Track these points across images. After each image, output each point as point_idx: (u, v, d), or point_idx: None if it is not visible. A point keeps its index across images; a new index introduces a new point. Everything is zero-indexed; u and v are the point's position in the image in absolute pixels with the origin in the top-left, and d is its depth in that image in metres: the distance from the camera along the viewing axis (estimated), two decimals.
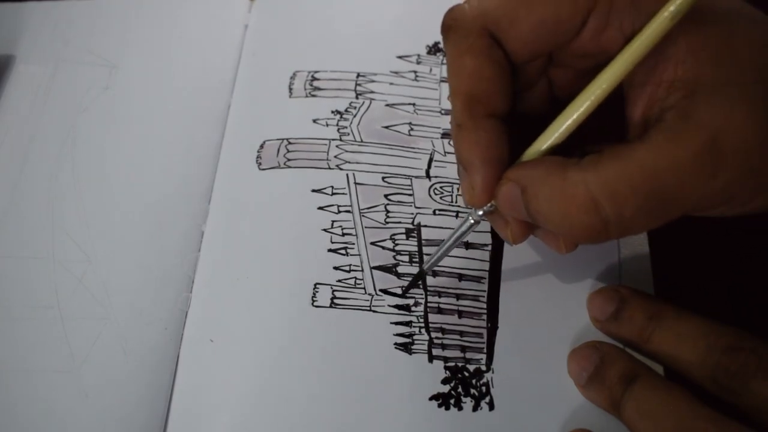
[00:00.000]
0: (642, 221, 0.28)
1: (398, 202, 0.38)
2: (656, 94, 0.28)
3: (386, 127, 0.40)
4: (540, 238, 0.32)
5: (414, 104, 0.41)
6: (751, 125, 0.26)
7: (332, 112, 0.41)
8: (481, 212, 0.31)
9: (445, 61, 0.42)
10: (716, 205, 0.28)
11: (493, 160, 0.30)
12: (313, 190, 0.39)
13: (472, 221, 0.32)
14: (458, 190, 0.38)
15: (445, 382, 0.34)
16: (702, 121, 0.26)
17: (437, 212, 0.38)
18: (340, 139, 0.40)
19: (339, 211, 0.38)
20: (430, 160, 0.39)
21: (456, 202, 0.38)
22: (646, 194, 0.26)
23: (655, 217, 0.28)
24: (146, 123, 0.42)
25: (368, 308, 0.36)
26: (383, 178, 0.39)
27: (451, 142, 0.39)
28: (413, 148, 0.40)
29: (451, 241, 0.33)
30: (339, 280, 0.36)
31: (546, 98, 0.32)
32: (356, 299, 0.36)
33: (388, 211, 0.38)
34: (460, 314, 0.35)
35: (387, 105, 0.41)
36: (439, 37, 0.42)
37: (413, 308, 0.35)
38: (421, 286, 0.36)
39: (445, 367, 0.34)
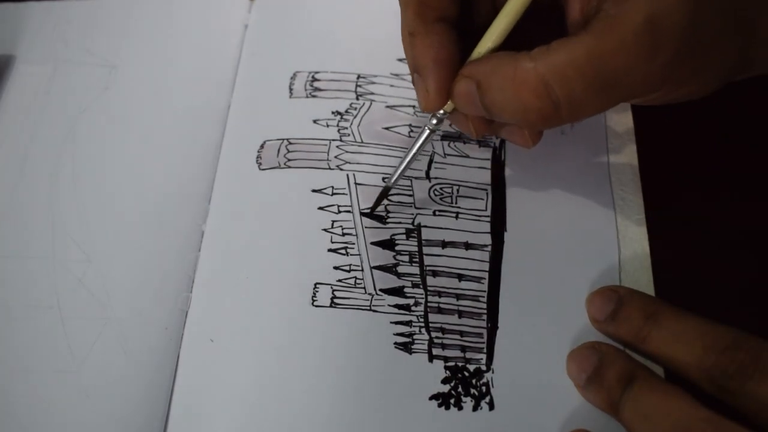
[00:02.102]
0: (591, 103, 0.29)
1: (398, 202, 0.38)
2: None
3: (386, 129, 0.40)
4: (505, 137, 0.35)
5: (414, 106, 0.41)
6: (682, 8, 0.27)
7: (332, 112, 0.41)
8: (435, 121, 0.34)
9: None
10: (657, 87, 0.30)
11: (446, 61, 0.32)
12: (314, 191, 0.39)
13: (429, 130, 0.34)
14: (457, 191, 0.39)
15: (445, 381, 0.34)
16: (637, 5, 0.28)
17: (437, 213, 0.38)
18: (341, 140, 0.40)
19: (339, 211, 0.38)
20: (430, 162, 0.39)
21: (456, 203, 0.38)
22: (593, 75, 0.28)
23: (602, 99, 0.30)
24: (146, 123, 0.42)
25: (368, 308, 0.36)
26: (383, 178, 0.39)
27: (452, 144, 0.40)
28: None
29: (411, 154, 0.35)
30: (339, 280, 0.36)
31: (491, 11, 0.34)
32: (356, 299, 0.36)
33: (388, 212, 0.38)
34: (460, 314, 0.35)
35: (387, 107, 0.41)
36: None
37: (413, 308, 0.36)
38: (421, 286, 0.36)
39: (445, 367, 0.34)
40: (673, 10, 0.27)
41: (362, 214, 0.38)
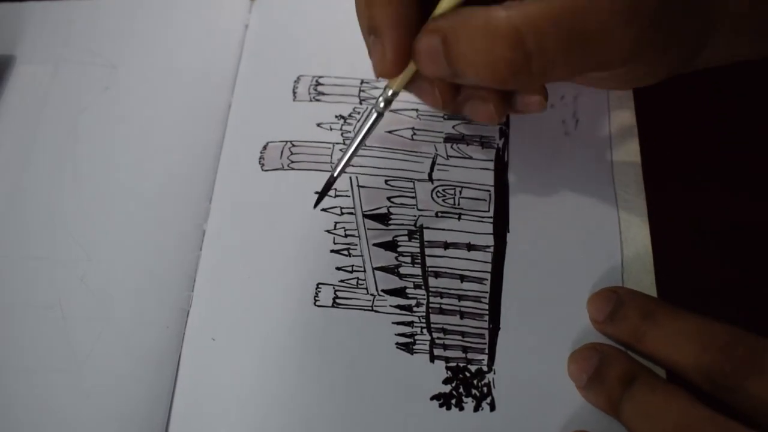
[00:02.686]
0: (562, 60, 0.28)
1: (401, 204, 0.39)
2: None
3: (389, 132, 0.41)
4: (469, 113, 0.33)
5: (417, 110, 0.41)
6: None
7: (336, 116, 0.41)
8: (383, 103, 0.32)
9: None
10: (628, 57, 0.29)
11: (407, 21, 0.30)
12: (317, 192, 0.39)
13: (376, 113, 0.33)
14: (460, 192, 0.39)
15: (446, 382, 0.34)
16: None
17: (439, 214, 0.38)
18: (344, 143, 0.40)
19: (342, 213, 0.38)
20: (433, 164, 0.40)
21: (458, 204, 0.39)
22: (567, 30, 0.27)
23: (574, 59, 0.29)
24: (146, 122, 0.42)
25: (370, 308, 0.36)
26: (386, 181, 0.39)
27: (454, 146, 0.40)
28: (416, 151, 0.40)
29: (357, 142, 0.34)
30: (341, 281, 0.37)
31: None
32: (358, 299, 0.36)
33: (390, 213, 0.38)
34: (462, 315, 0.36)
35: (390, 110, 0.41)
36: None
37: (415, 309, 0.36)
38: (423, 287, 0.36)
39: (447, 368, 0.34)
40: None
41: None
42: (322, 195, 0.37)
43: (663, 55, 0.30)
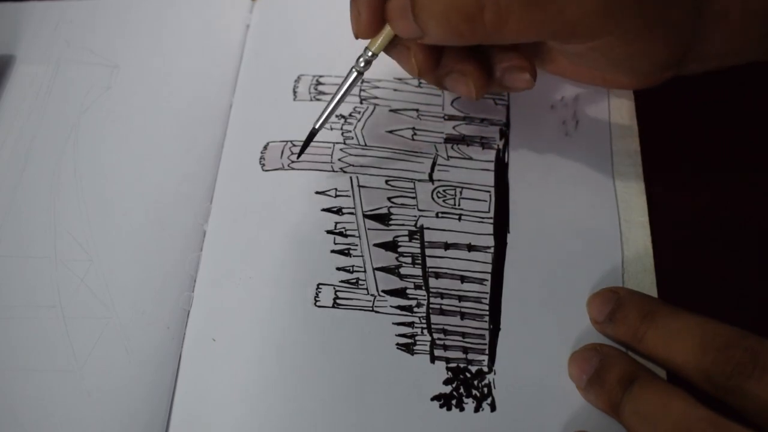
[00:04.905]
0: (517, 14, 0.29)
1: (401, 204, 0.39)
2: None
3: (390, 132, 0.41)
4: (450, 86, 0.36)
5: (417, 110, 0.41)
6: None
7: (337, 116, 0.41)
8: (363, 63, 0.35)
9: None
10: (596, 27, 0.29)
11: None
12: (317, 192, 0.39)
13: (356, 72, 0.35)
14: (460, 193, 0.39)
15: (447, 382, 0.34)
16: None
17: (440, 215, 0.38)
18: (344, 143, 0.40)
19: (342, 213, 0.38)
20: (433, 164, 0.40)
21: (459, 205, 0.39)
22: None
23: (530, 14, 0.29)
24: (148, 122, 0.42)
25: (370, 309, 0.36)
26: (387, 181, 0.39)
27: (455, 146, 0.40)
28: (416, 152, 0.40)
29: (339, 96, 0.36)
30: (342, 281, 0.37)
31: None
32: (359, 300, 0.36)
33: (391, 214, 0.38)
34: (462, 316, 0.36)
35: (391, 110, 0.41)
36: None
37: (415, 309, 0.36)
38: (423, 288, 0.36)
39: (447, 368, 0.34)
40: None
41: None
42: (304, 147, 0.38)
43: (645, 39, 0.30)
